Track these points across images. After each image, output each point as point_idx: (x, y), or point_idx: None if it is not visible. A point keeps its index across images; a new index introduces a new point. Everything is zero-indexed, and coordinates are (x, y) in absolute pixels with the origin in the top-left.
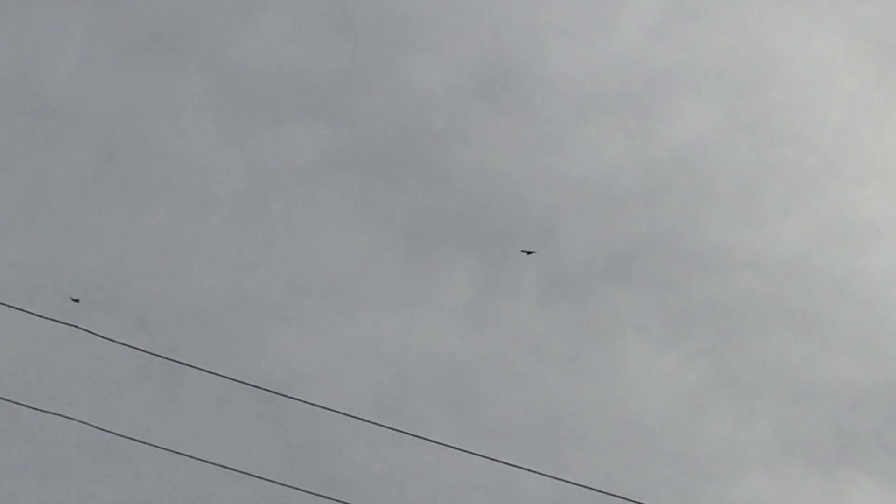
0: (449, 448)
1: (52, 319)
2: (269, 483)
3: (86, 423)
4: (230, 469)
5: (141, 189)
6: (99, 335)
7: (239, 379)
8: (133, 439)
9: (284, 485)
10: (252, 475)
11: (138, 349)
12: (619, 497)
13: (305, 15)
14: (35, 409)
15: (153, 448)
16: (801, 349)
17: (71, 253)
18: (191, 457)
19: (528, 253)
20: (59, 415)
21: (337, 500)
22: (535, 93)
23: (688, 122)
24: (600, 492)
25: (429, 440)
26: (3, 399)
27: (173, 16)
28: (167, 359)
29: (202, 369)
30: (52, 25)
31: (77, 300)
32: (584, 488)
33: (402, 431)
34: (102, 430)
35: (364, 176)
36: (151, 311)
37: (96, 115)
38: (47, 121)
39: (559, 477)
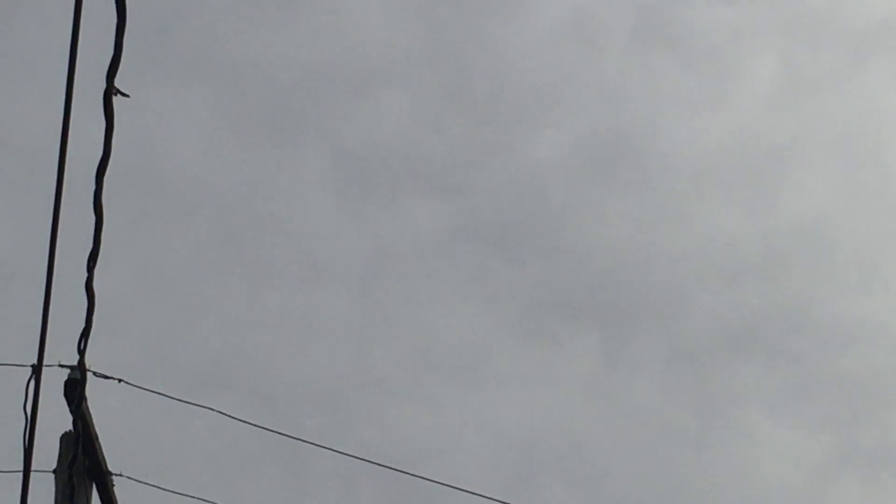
0: None
1: (180, 400)
2: None
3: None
4: None
5: (261, 266)
6: (229, 415)
7: (362, 457)
8: None
9: None
10: None
11: (262, 427)
12: None
13: (423, 90)
14: (163, 488)
15: None
16: None
17: (193, 331)
18: None
19: (124, 95)
20: (186, 494)
21: None
22: (652, 166)
23: (807, 193)
24: None
25: None
26: (131, 479)
27: (291, 93)
28: (291, 437)
29: (325, 447)
30: (172, 104)
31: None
32: None
33: None
34: None
35: (483, 251)
36: (273, 388)
37: (216, 193)
38: (168, 199)
39: None
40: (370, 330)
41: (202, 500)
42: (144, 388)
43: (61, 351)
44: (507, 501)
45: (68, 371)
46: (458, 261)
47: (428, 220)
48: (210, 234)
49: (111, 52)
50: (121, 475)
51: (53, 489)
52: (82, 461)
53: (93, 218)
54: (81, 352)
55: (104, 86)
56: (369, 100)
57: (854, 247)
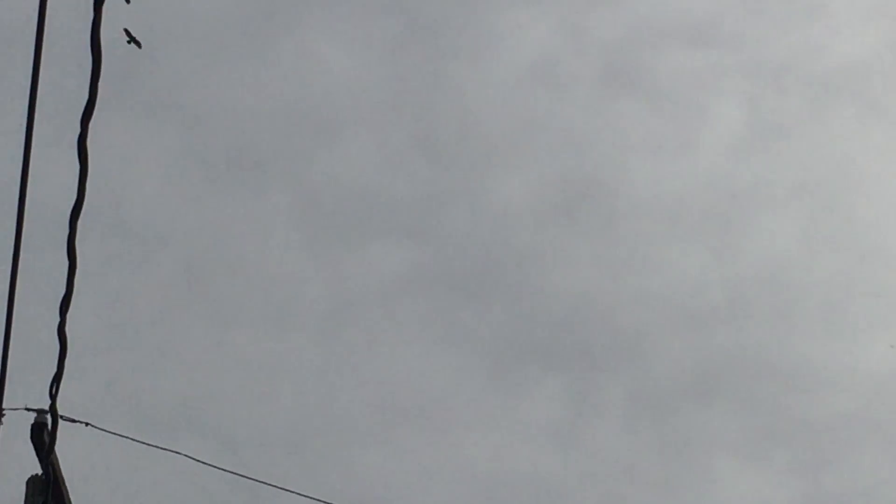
0: None
1: (146, 443)
2: None
3: None
4: None
5: (227, 310)
6: (196, 459)
7: (328, 501)
8: None
9: None
10: None
11: (228, 471)
12: None
13: (388, 134)
14: None
15: None
16: (893, 467)
17: (159, 375)
18: None
19: (137, 43)
20: None
21: None
22: (618, 210)
23: (772, 237)
24: None
25: None
26: None
27: (257, 137)
28: (257, 480)
29: (291, 491)
30: (136, 147)
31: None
32: None
33: None
34: None
35: (448, 295)
36: (239, 432)
37: (181, 236)
38: (132, 242)
39: None
40: (336, 373)
41: None
42: (111, 432)
43: (29, 394)
44: None
45: (34, 415)
46: (423, 305)
47: (393, 263)
48: (175, 278)
49: (79, 96)
50: None
51: None
52: None
53: (63, 262)
54: (53, 396)
55: (78, 130)
56: (335, 143)
57: (818, 291)
